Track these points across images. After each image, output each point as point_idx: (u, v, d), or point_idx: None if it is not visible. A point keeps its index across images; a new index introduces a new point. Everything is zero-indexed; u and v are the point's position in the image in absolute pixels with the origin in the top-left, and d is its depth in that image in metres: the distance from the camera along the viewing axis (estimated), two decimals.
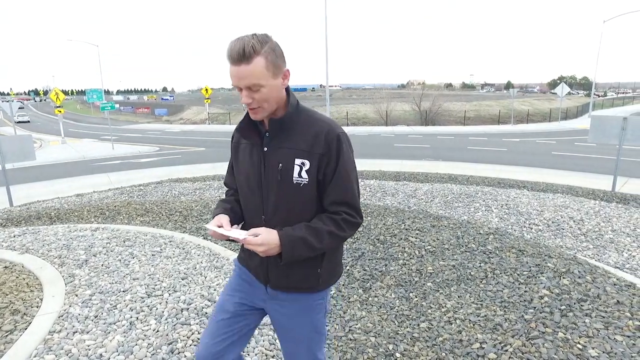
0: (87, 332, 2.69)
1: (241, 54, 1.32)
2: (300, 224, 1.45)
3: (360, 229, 4.64)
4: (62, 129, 25.57)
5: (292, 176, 1.45)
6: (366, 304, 3.18)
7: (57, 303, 3.06)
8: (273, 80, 1.38)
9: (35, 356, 2.45)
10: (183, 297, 3.05)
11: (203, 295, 3.11)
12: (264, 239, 1.38)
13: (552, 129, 24.96)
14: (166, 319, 2.80)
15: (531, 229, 4.85)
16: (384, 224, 4.73)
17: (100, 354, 2.47)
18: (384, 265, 3.75)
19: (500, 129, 25.90)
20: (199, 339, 2.60)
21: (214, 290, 3.20)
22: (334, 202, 1.47)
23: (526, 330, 2.66)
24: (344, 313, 3.08)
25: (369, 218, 4.97)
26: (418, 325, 2.86)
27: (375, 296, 3.28)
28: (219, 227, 1.46)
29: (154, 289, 3.20)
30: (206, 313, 2.88)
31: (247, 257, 1.64)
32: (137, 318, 2.81)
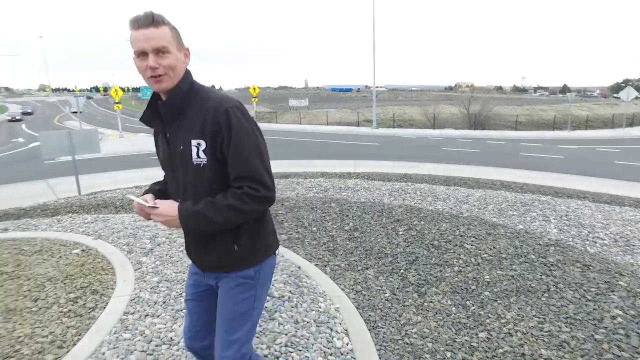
0: (158, 317, 2.87)
1: (150, 18, 1.38)
2: (204, 199, 1.46)
3: (413, 232, 4.62)
4: (120, 124, 27.07)
5: (191, 157, 1.47)
6: (422, 309, 3.17)
7: (129, 287, 3.28)
8: (177, 52, 1.44)
9: (114, 333, 2.66)
10: None
11: None
12: (163, 210, 1.45)
13: (615, 136, 23.44)
14: None
15: (595, 243, 4.62)
16: (438, 229, 4.67)
17: (171, 338, 2.63)
18: (439, 271, 3.72)
19: (556, 135, 24.68)
20: (261, 331, 2.71)
21: (272, 285, 3.29)
22: (235, 178, 1.46)
23: (597, 352, 2.56)
24: (399, 316, 3.09)
25: (422, 222, 4.94)
26: (476, 334, 2.82)
27: (431, 302, 3.26)
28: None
29: None
30: (266, 307, 2.98)
31: (185, 241, 1.72)
32: None
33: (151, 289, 3.24)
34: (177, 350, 2.52)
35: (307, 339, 2.66)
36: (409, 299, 3.33)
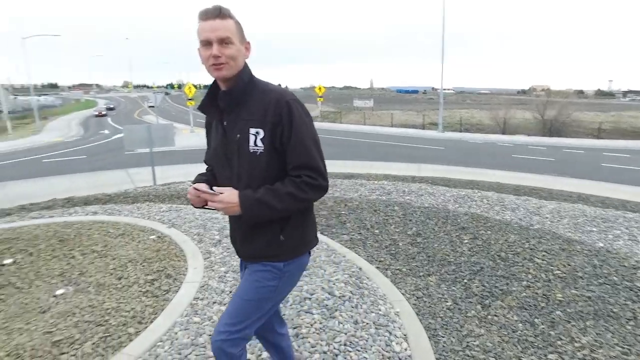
0: (225, 305, 3.04)
1: (217, 11, 1.47)
2: (263, 187, 1.52)
3: (479, 242, 4.46)
4: (192, 119, 28.66)
5: (248, 145, 1.53)
6: (485, 322, 3.06)
7: (199, 274, 3.50)
8: (239, 44, 1.51)
9: (185, 316, 2.86)
10: (306, 287, 3.27)
11: (324, 288, 3.29)
12: (224, 197, 1.50)
13: None
14: (291, 305, 3.03)
15: None
16: (506, 240, 4.46)
17: None
18: (506, 284, 3.56)
19: None
20: (321, 328, 2.77)
21: (333, 284, 3.36)
22: (294, 167, 1.52)
23: None
24: (461, 327, 3.00)
25: (489, 232, 4.74)
26: (545, 355, 2.67)
27: (495, 315, 3.14)
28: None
29: None
30: (327, 305, 3.04)
31: (229, 230, 1.77)
32: None
33: (219, 278, 3.43)
34: None
35: (366, 340, 2.68)
36: (471, 309, 3.22)
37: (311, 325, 2.79)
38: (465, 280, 3.68)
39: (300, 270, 1.74)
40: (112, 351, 2.51)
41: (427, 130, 29.42)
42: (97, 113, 48.17)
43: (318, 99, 32.63)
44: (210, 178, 1.76)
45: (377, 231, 4.89)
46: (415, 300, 3.38)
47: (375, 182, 7.95)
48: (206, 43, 1.47)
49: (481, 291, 3.48)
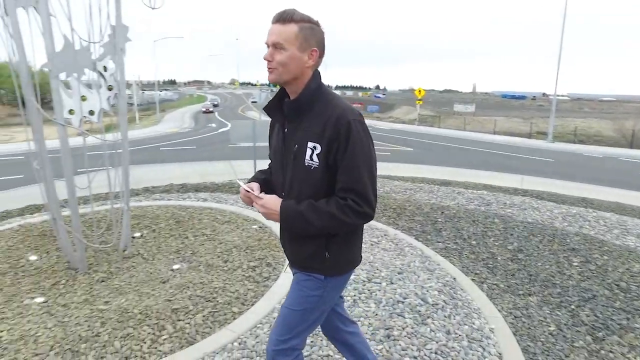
0: None
1: (280, 15, 1.45)
2: (307, 201, 1.50)
3: (591, 267, 4.06)
4: None
5: (304, 158, 1.51)
6: (597, 357, 2.79)
7: None
8: (297, 51, 1.45)
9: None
10: (399, 291, 3.28)
11: (417, 293, 3.27)
12: (266, 202, 1.52)
13: None
14: (384, 306, 3.07)
15: None
16: (627, 269, 3.99)
17: None
18: (626, 319, 3.20)
19: None
20: (413, 333, 2.77)
21: (426, 291, 3.32)
22: (341, 189, 1.47)
23: None
24: (565, 356, 2.78)
25: (605, 257, 4.28)
26: None
27: (610, 351, 2.84)
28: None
29: (373, 275, 3.54)
30: (419, 311, 3.03)
31: (280, 237, 1.76)
32: (360, 298, 3.17)
33: None
34: None
35: (458, 352, 2.62)
36: (579, 340, 2.96)
37: (403, 328, 2.81)
38: (572, 306, 3.38)
39: (344, 283, 1.73)
40: (219, 325, 2.79)
41: (534, 140, 27.11)
42: (204, 110, 51.24)
43: (417, 102, 31.93)
44: (269, 177, 1.77)
45: (474, 242, 4.70)
46: (512, 319, 3.20)
47: (474, 191, 7.59)
48: (266, 45, 1.49)
49: (592, 321, 3.18)
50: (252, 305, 3.06)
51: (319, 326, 1.88)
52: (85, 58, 3.48)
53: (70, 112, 3.49)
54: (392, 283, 3.40)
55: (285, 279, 3.45)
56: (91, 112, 3.61)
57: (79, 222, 3.62)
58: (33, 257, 3.83)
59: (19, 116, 3.73)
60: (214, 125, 32.08)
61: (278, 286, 3.33)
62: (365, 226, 4.76)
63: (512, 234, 4.95)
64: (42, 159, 3.46)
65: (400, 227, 4.96)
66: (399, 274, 3.58)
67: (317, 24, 1.49)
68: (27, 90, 3.22)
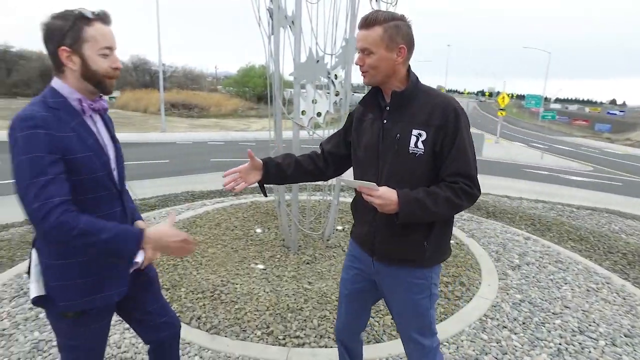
0: (515, 334, 2.89)
1: (364, 20, 1.50)
2: (419, 188, 1.51)
3: None
4: (499, 130, 27.71)
5: (408, 146, 1.52)
6: None
7: (492, 293, 3.44)
8: (385, 52, 1.49)
9: (473, 328, 2.91)
10: (625, 358, 2.70)
11: None
12: (383, 192, 1.47)
13: None
14: None
15: None
16: None
17: None
18: None
19: None
20: None
21: None
22: (452, 173, 1.50)
23: None
24: None
25: None
26: None
27: None
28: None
29: (587, 327, 3.01)
30: None
31: (357, 227, 1.78)
32: (566, 349, 2.75)
33: (513, 304, 3.28)
34: None
35: None
36: None
37: None
38: None
39: (439, 274, 1.74)
40: None
41: None
42: None
43: None
44: (290, 163, 1.78)
45: None
46: None
47: None
48: (357, 51, 1.58)
49: None
50: (440, 322, 3.00)
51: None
52: (322, 68, 3.99)
53: (303, 112, 4.06)
54: (614, 345, 2.82)
55: (478, 302, 3.26)
56: (319, 114, 4.12)
57: (297, 208, 4.20)
58: (259, 230, 4.63)
59: (255, 109, 4.56)
60: None
61: (470, 308, 3.18)
62: (581, 266, 4.09)
63: None
64: (277, 150, 4.14)
65: (631, 279, 4.05)
66: (625, 336, 2.93)
67: (401, 19, 1.52)
68: (277, 93, 3.89)
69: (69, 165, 1.30)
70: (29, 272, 1.48)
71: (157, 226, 1.37)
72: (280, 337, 2.71)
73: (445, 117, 1.50)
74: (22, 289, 3.34)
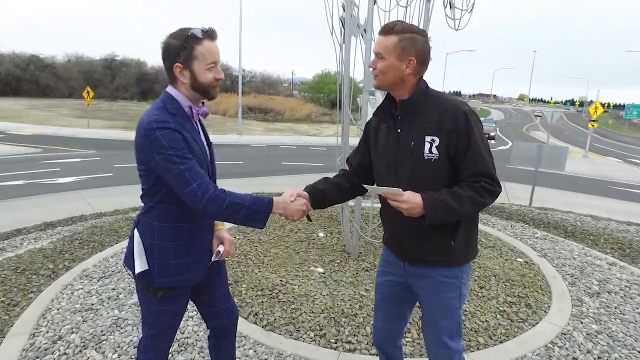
0: None
1: (383, 27, 1.59)
2: (442, 189, 1.55)
3: None
4: (588, 143, 25.37)
5: (422, 152, 1.57)
6: None
7: (563, 319, 3.19)
8: (395, 60, 1.56)
9: (537, 354, 2.72)
10: None
11: None
12: (408, 197, 1.51)
13: None
14: None
15: None
16: None
17: None
18: None
19: None
20: None
21: None
22: (472, 174, 1.54)
23: None
24: None
25: None
26: None
27: None
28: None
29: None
30: None
31: (386, 233, 1.85)
32: None
33: (587, 334, 3.01)
34: None
35: None
36: None
37: None
38: None
39: (469, 273, 1.76)
40: (468, 352, 2.73)
41: None
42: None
43: None
44: (329, 187, 1.84)
45: None
46: None
47: None
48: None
49: None
50: (501, 342, 2.85)
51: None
52: None
53: None
54: None
55: (545, 327, 3.04)
56: None
57: (360, 215, 4.22)
58: (321, 234, 4.72)
59: (329, 115, 4.65)
60: (492, 142, 30.77)
61: (535, 333, 2.98)
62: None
63: None
64: (343, 157, 4.20)
65: None
66: None
67: (420, 33, 1.58)
68: (346, 101, 3.96)
69: None
70: (129, 252, 1.69)
71: (282, 196, 1.66)
72: (332, 341, 2.76)
73: (456, 121, 1.54)
74: (108, 271, 3.74)
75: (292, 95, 51.62)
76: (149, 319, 1.75)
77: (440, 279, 1.69)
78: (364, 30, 3.87)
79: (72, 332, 2.80)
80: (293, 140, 21.92)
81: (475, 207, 1.56)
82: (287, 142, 20.76)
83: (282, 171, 12.29)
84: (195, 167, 1.50)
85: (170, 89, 1.61)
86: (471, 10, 4.26)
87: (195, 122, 1.67)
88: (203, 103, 1.69)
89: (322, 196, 1.82)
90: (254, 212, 1.53)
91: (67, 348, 2.64)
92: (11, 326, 2.91)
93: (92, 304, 3.16)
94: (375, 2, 3.86)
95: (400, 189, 1.52)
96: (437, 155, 1.56)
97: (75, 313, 3.04)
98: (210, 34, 1.55)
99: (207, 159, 1.67)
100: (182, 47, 1.52)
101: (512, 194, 10.62)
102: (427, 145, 1.57)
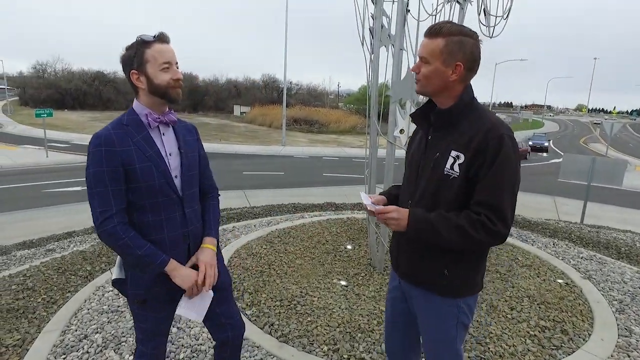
0: None
1: (429, 28, 1.45)
2: (436, 210, 1.46)
3: None
4: None
5: (443, 167, 1.47)
6: None
7: (606, 350, 2.91)
8: (440, 65, 1.43)
9: None
10: None
11: None
12: (396, 209, 1.48)
13: None
14: None
15: None
16: None
17: None
18: None
19: None
20: None
21: None
22: (477, 202, 1.40)
23: None
24: None
25: None
26: None
27: None
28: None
29: None
30: None
31: (391, 243, 1.75)
32: None
33: None
34: None
35: None
36: None
37: None
38: None
39: (474, 305, 1.62)
40: None
41: None
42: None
43: None
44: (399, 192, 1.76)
45: None
46: None
47: None
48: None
49: None
50: None
51: None
52: None
53: (401, 131, 3.99)
54: None
55: (582, 357, 2.79)
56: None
57: (386, 227, 4.12)
58: (349, 247, 4.65)
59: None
60: (544, 154, 29.22)
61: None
62: None
63: None
64: (371, 169, 4.13)
65: None
66: None
67: (470, 35, 1.43)
68: (373, 111, 3.90)
69: (129, 174, 1.54)
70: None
71: (183, 265, 1.67)
72: (345, 356, 2.68)
73: (486, 142, 1.39)
74: None
75: (337, 107, 51.90)
76: (135, 323, 1.79)
77: (435, 304, 1.59)
78: (394, 40, 3.81)
79: (97, 332, 2.92)
80: (336, 151, 21.98)
81: (464, 240, 1.40)
82: (330, 154, 20.84)
83: (322, 182, 12.33)
84: (109, 195, 1.50)
85: (134, 102, 1.63)
86: (507, 16, 4.08)
87: (159, 130, 1.64)
88: (170, 110, 1.68)
89: (396, 201, 1.76)
90: (145, 264, 1.55)
91: (90, 347, 2.76)
92: (47, 322, 3.09)
93: (119, 306, 3.28)
94: (408, 11, 3.81)
95: (382, 207, 1.51)
96: (457, 173, 1.44)
97: (102, 314, 3.17)
98: (160, 37, 1.56)
99: (164, 168, 1.60)
100: (134, 54, 1.54)
101: (562, 210, 10.00)
102: (450, 160, 1.45)
